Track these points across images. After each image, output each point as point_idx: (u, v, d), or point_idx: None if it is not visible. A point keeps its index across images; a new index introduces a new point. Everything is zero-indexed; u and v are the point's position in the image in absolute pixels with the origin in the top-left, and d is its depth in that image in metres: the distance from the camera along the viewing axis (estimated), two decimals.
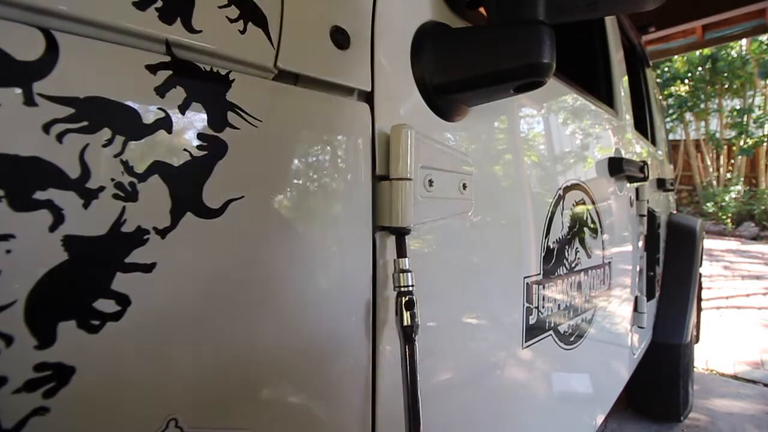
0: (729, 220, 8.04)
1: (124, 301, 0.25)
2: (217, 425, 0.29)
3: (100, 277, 0.24)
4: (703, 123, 9.25)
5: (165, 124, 0.26)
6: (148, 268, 0.26)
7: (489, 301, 0.51)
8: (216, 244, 0.29)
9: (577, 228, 0.82)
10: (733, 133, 8.71)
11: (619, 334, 1.15)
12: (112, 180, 0.24)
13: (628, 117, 1.30)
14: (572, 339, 0.81)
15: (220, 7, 0.29)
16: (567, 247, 0.78)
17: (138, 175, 0.25)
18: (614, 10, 0.48)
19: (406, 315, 0.38)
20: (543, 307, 0.69)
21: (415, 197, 0.40)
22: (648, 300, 1.36)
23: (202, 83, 0.28)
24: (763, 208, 7.81)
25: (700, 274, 1.97)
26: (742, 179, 8.52)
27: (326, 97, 0.37)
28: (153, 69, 0.26)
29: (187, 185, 0.27)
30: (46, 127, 0.22)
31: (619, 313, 1.12)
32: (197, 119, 0.28)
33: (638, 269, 1.30)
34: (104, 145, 0.24)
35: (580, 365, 0.87)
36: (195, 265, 0.28)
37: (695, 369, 2.16)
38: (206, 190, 0.28)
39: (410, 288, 0.38)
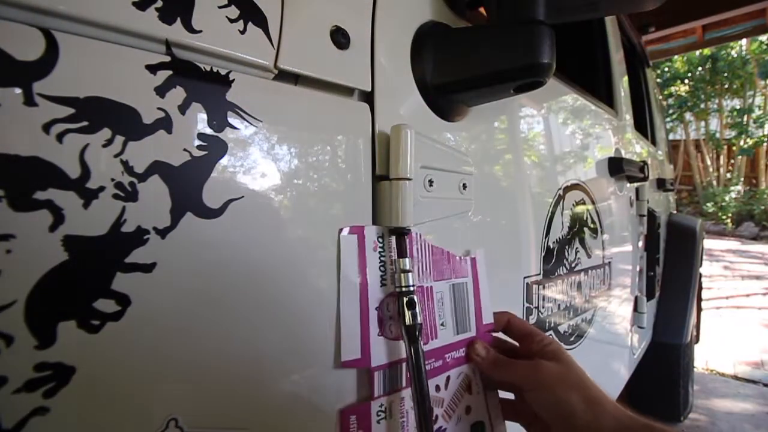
0: (729, 220, 8.04)
1: (124, 301, 0.25)
2: (217, 425, 0.29)
3: (100, 277, 0.24)
4: (703, 123, 9.25)
5: (165, 124, 0.26)
6: (148, 268, 0.26)
7: (489, 302, 0.51)
8: (216, 244, 0.29)
9: (577, 228, 0.82)
10: (733, 133, 8.71)
11: (619, 334, 1.15)
12: (112, 180, 0.24)
13: (628, 117, 1.30)
14: (572, 339, 0.81)
15: (220, 7, 0.29)
16: (567, 247, 0.78)
17: (138, 175, 0.25)
18: (614, 10, 0.48)
19: (408, 314, 0.38)
20: (543, 307, 0.69)
21: (415, 197, 0.40)
22: (648, 300, 1.36)
23: (202, 83, 0.28)
24: (763, 208, 7.81)
25: (700, 274, 1.97)
26: (742, 179, 8.52)
27: (326, 97, 0.37)
28: (153, 69, 0.26)
29: (187, 185, 0.27)
30: (46, 127, 0.22)
31: (619, 313, 1.12)
32: (197, 119, 0.28)
33: (638, 269, 1.30)
34: (104, 145, 0.24)
35: (580, 365, 0.87)
36: (195, 265, 0.28)
37: (695, 369, 2.16)
38: (206, 190, 0.28)
39: (411, 288, 0.38)
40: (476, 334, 0.47)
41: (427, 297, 0.43)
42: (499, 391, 0.48)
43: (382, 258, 0.39)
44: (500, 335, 0.50)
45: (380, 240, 0.39)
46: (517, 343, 0.47)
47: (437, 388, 0.43)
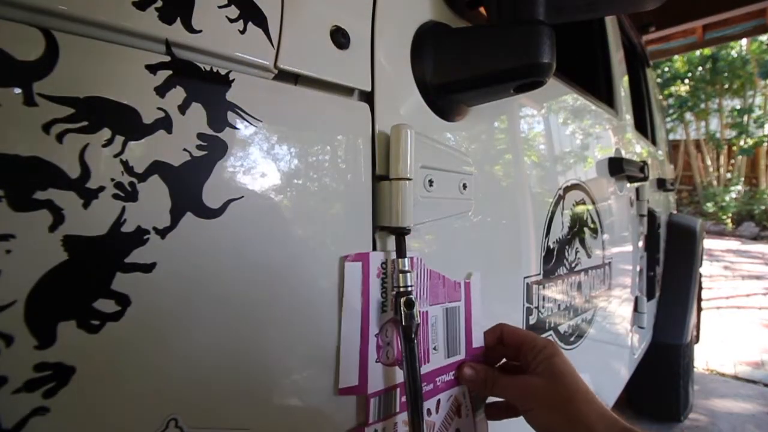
0: (729, 220, 8.04)
1: (124, 301, 0.25)
2: (217, 425, 0.29)
3: (100, 277, 0.24)
4: (703, 123, 9.24)
5: (165, 124, 0.26)
6: (148, 268, 0.26)
7: (489, 302, 0.51)
8: (216, 244, 0.29)
9: (578, 228, 0.82)
10: (734, 133, 8.71)
11: (619, 334, 1.15)
12: (112, 180, 0.24)
13: (628, 117, 1.30)
14: (572, 339, 0.81)
15: (220, 7, 0.29)
16: (567, 247, 0.78)
17: (138, 175, 0.25)
18: (614, 10, 0.48)
19: (405, 315, 0.38)
20: (543, 307, 0.69)
21: (415, 197, 0.40)
22: (648, 300, 1.36)
23: (202, 83, 0.28)
24: (763, 208, 7.81)
25: (700, 274, 1.97)
26: (742, 179, 8.52)
27: (326, 97, 0.37)
28: (153, 69, 0.26)
29: (187, 185, 0.27)
30: (46, 127, 0.22)
31: (619, 313, 1.12)
32: (197, 119, 0.28)
33: (638, 269, 1.30)
34: (104, 145, 0.24)
35: (580, 365, 0.86)
36: (195, 265, 0.28)
37: (695, 369, 2.16)
38: (206, 190, 0.28)
39: (409, 288, 0.38)
40: (465, 357, 0.47)
41: (423, 321, 0.43)
42: None
43: (384, 284, 0.39)
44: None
45: (383, 266, 0.39)
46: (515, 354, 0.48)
47: (428, 411, 0.42)
